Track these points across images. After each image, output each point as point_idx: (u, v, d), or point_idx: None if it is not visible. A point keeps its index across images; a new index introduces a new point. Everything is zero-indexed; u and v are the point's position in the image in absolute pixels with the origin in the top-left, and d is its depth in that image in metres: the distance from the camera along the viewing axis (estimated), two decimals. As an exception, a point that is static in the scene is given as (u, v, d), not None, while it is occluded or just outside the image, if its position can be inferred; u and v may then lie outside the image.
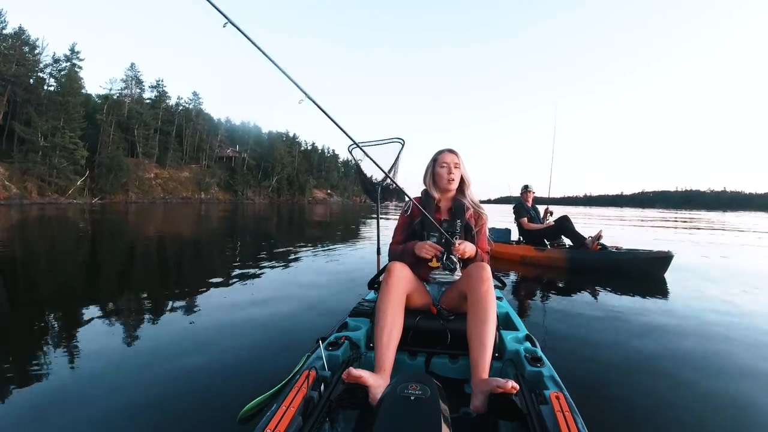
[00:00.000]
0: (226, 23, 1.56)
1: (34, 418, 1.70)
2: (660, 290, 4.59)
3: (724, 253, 8.52)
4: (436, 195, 2.14)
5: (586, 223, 18.03)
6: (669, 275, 5.25)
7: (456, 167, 2.10)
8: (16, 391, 1.93)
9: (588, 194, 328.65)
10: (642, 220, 24.71)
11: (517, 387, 1.32)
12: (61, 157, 41.32)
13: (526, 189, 6.55)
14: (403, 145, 3.33)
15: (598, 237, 5.71)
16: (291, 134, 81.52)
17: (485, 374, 1.49)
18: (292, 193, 76.65)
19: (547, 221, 6.69)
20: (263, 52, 1.65)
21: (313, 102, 1.80)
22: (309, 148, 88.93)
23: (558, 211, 6.79)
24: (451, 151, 2.13)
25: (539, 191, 6.79)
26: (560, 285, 4.93)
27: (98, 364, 2.22)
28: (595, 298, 4.13)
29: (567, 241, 6.19)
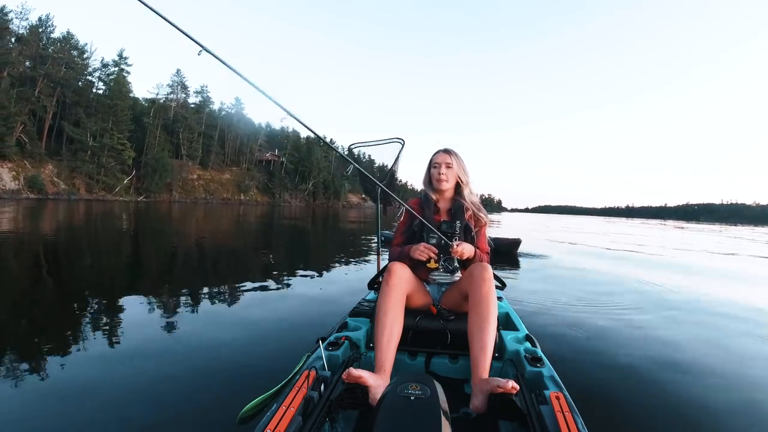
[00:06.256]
0: (200, 51, 1.56)
1: (31, 417, 1.69)
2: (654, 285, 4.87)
3: None
4: (434, 196, 2.14)
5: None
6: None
7: (448, 167, 2.09)
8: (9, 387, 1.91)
9: (630, 205, 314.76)
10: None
11: (517, 387, 1.32)
12: (109, 156, 43.56)
13: None
14: (402, 146, 3.30)
15: None
16: (328, 139, 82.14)
17: (485, 374, 1.48)
18: (327, 197, 77.55)
19: None
20: (255, 85, 1.66)
21: (307, 128, 1.81)
22: (345, 153, 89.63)
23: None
24: (445, 151, 2.13)
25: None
26: (560, 285, 4.96)
27: (98, 364, 2.22)
28: (595, 299, 4.15)
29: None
